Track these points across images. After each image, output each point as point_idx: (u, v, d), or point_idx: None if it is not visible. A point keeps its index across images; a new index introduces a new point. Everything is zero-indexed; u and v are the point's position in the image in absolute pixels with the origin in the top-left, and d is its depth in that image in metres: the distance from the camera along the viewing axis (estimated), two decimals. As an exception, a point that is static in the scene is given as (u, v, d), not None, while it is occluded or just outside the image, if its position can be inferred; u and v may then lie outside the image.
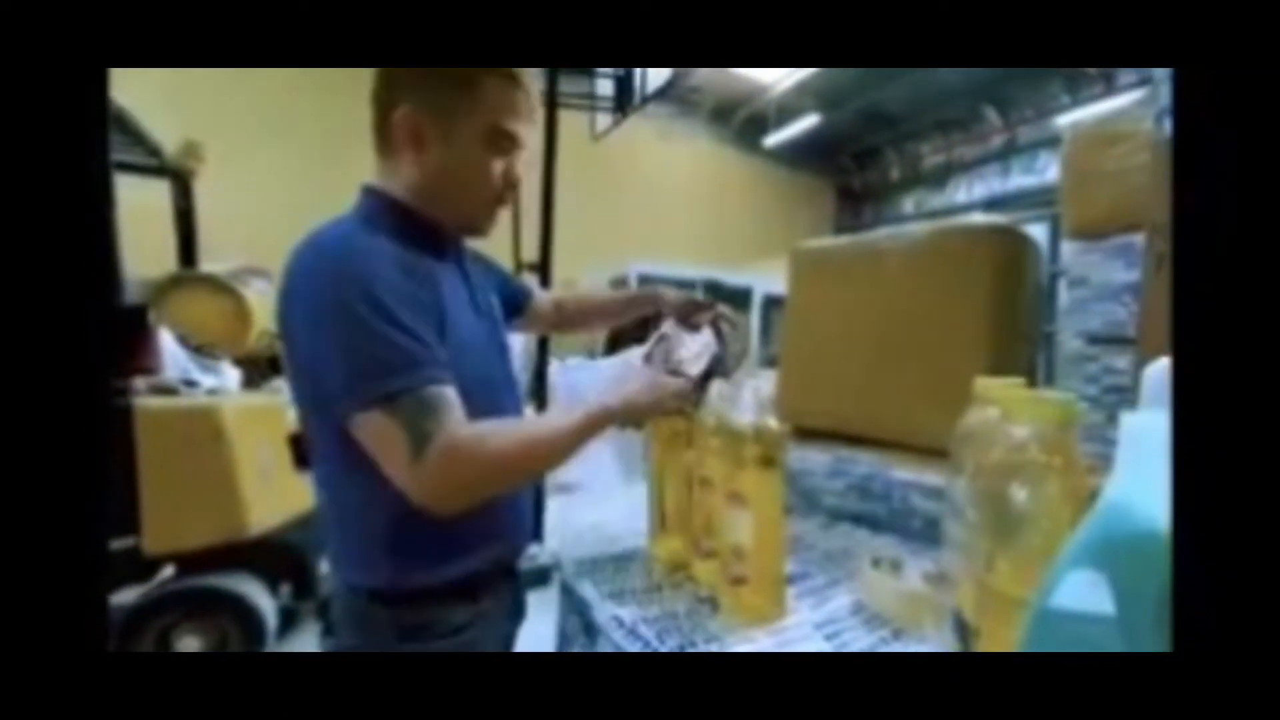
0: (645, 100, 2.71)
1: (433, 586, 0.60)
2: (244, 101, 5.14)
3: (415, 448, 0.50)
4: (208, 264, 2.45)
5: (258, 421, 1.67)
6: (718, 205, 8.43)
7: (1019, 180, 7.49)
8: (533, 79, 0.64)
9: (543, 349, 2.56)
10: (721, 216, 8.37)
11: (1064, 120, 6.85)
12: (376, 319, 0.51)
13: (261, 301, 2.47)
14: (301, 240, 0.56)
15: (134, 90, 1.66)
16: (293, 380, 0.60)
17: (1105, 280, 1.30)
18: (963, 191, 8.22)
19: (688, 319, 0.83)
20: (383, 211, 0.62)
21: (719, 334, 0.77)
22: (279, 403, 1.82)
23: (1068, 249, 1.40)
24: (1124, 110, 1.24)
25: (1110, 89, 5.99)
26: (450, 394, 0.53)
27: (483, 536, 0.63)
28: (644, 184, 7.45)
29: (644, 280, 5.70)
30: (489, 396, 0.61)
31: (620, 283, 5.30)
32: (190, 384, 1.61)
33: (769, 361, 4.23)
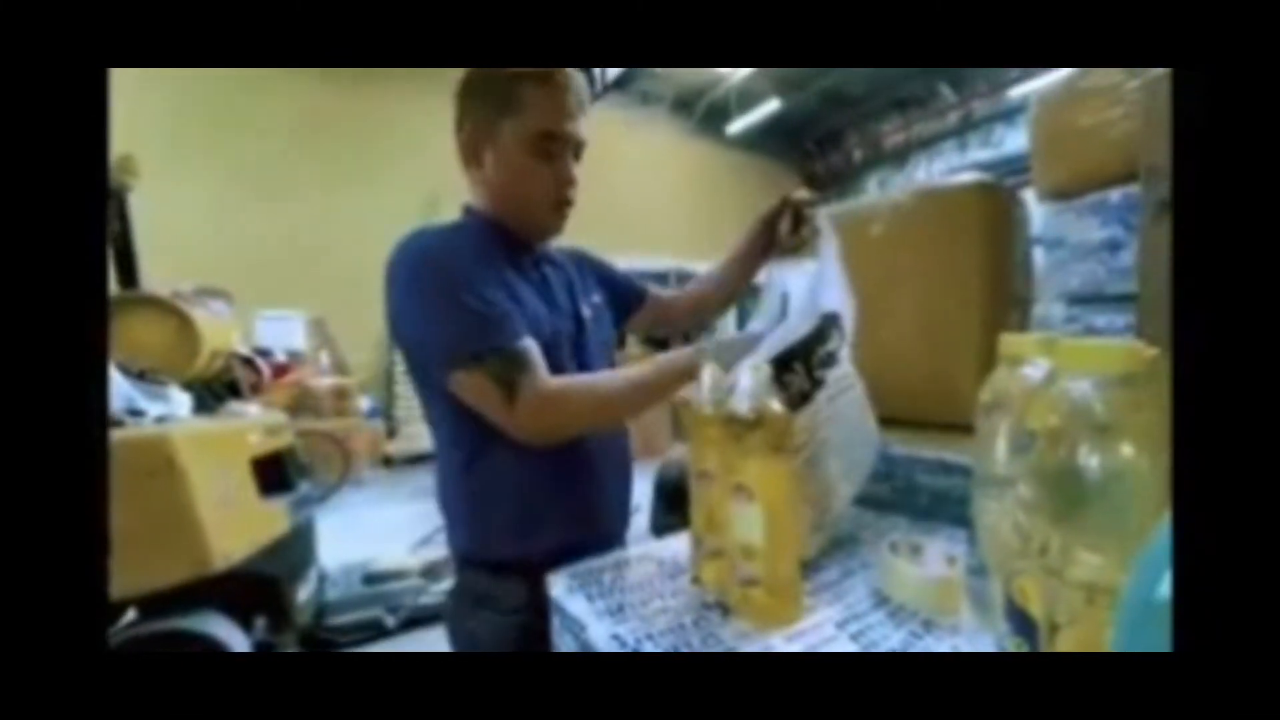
0: (605, 90, 2.65)
1: (498, 560, 0.68)
2: (190, 121, 4.89)
3: (507, 396, 0.59)
4: (163, 287, 2.30)
5: (215, 448, 1.56)
6: (685, 195, 8.41)
7: (976, 154, 7.65)
8: (572, 76, 0.67)
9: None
10: (689, 206, 8.36)
11: (1015, 93, 7.01)
12: (461, 294, 0.60)
13: (214, 322, 2.33)
14: (400, 240, 0.65)
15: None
16: (406, 362, 0.70)
17: (1081, 240, 1.29)
18: (923, 169, 8.37)
19: (783, 242, 0.78)
20: (466, 222, 0.73)
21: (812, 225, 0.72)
22: (239, 426, 1.70)
23: (1041, 212, 1.39)
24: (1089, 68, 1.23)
25: (1058, 60, 6.11)
26: (530, 346, 0.62)
27: (554, 518, 0.68)
28: (609, 176, 7.36)
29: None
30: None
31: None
32: (136, 413, 1.49)
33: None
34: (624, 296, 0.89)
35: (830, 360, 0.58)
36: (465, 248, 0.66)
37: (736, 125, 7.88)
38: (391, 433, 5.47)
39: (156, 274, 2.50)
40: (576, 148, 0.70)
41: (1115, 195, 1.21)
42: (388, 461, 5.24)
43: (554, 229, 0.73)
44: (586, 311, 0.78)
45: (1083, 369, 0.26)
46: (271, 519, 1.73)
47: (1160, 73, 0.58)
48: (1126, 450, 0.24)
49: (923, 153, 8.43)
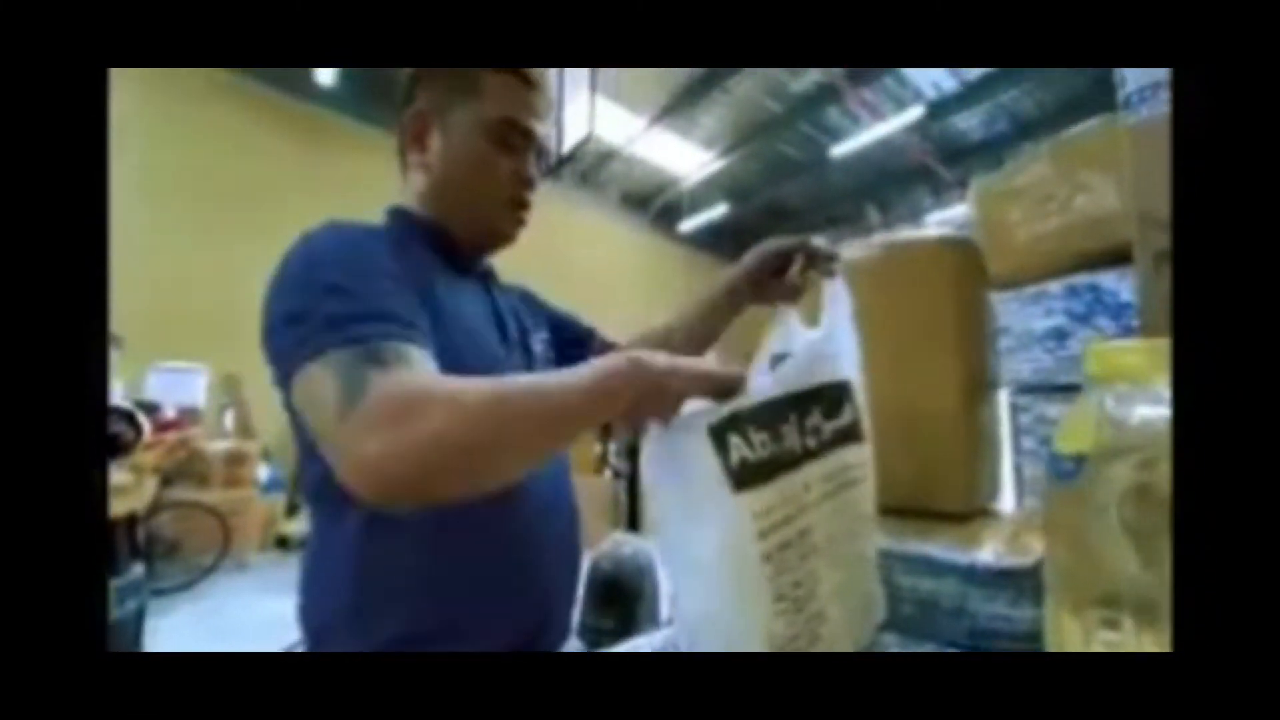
0: (562, 161, 2.69)
1: None
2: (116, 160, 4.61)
3: (347, 398, 0.37)
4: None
5: None
6: (636, 282, 8.68)
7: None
8: (543, 74, 0.60)
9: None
10: (640, 293, 8.60)
11: (932, 219, 7.90)
12: (341, 278, 0.44)
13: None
14: (301, 234, 0.50)
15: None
16: (282, 396, 0.48)
17: (1026, 328, 1.30)
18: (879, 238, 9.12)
19: (780, 290, 0.63)
20: (397, 222, 0.59)
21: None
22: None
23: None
24: (1023, 164, 1.30)
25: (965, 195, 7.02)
26: (415, 353, 0.41)
27: (488, 614, 0.50)
28: (563, 258, 7.49)
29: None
30: None
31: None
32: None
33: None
34: (571, 340, 0.74)
35: (841, 435, 0.47)
36: (379, 243, 0.50)
37: (688, 224, 8.37)
38: (293, 509, 4.81)
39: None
40: (539, 151, 0.60)
41: (1055, 286, 1.23)
42: (282, 542, 4.56)
43: (505, 233, 0.61)
44: (537, 347, 0.65)
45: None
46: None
47: (1144, 118, 0.54)
48: None
49: (855, 264, 9.21)
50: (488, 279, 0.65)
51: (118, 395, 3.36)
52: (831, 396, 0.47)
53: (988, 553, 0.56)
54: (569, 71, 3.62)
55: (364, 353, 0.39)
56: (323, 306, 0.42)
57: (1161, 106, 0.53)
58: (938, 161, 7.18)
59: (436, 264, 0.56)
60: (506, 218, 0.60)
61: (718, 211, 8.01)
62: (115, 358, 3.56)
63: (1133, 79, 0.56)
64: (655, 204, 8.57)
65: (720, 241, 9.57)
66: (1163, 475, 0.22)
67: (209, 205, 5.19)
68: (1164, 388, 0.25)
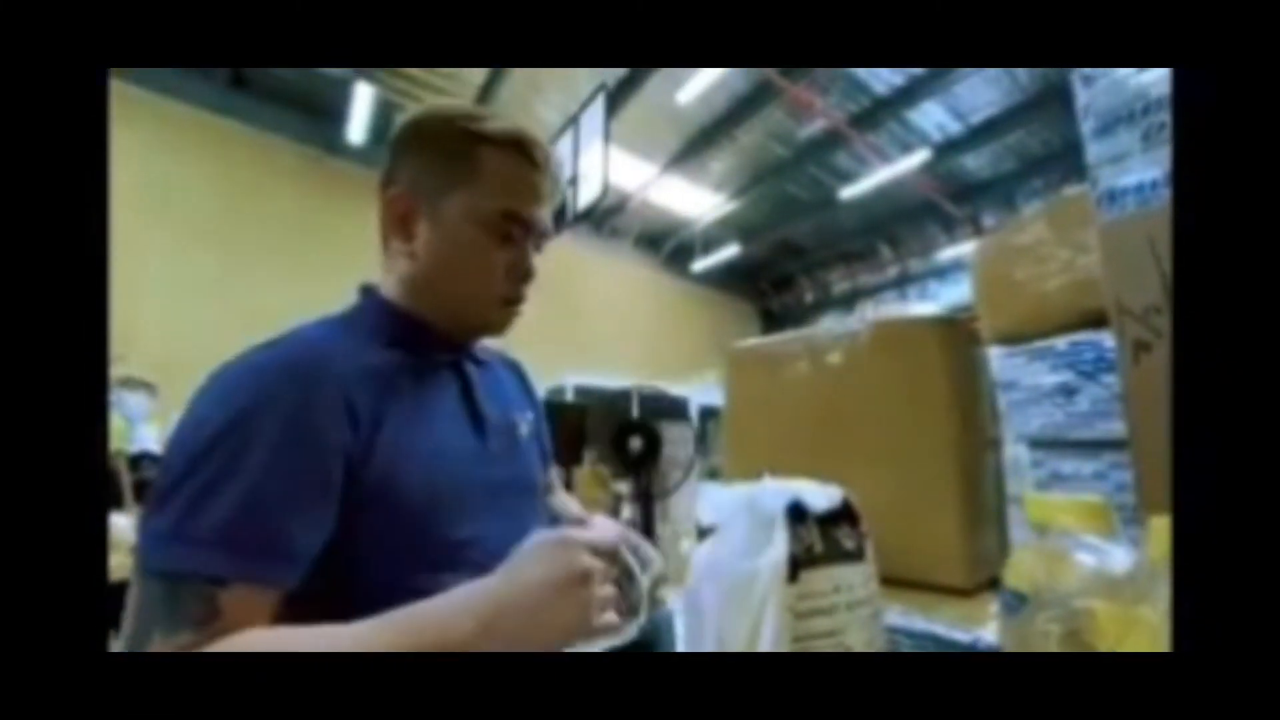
0: (579, 217, 2.80)
1: None
2: (162, 209, 4.92)
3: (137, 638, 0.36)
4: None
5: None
6: (651, 322, 8.77)
7: (916, 305, 8.41)
8: (548, 151, 0.55)
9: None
10: (655, 332, 8.69)
11: (944, 255, 7.93)
12: (214, 459, 0.38)
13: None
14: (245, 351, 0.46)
15: None
16: None
17: (1034, 383, 1.30)
18: (869, 314, 9.11)
19: None
20: (364, 310, 0.55)
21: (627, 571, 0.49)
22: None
23: (994, 354, 1.42)
24: (1022, 223, 1.34)
25: (978, 231, 7.07)
26: (226, 602, 0.37)
27: None
28: (580, 300, 7.65)
29: (580, 391, 5.57)
30: (457, 513, 0.49)
31: (557, 393, 5.15)
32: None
33: (711, 474, 4.06)
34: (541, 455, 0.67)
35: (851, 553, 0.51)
36: (301, 392, 0.42)
37: (700, 264, 8.52)
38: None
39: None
40: (540, 238, 0.55)
41: (1061, 342, 1.24)
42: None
43: (496, 328, 0.57)
44: (522, 428, 0.61)
45: None
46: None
47: (1115, 219, 0.58)
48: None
49: (868, 299, 9.24)
50: (462, 361, 0.58)
51: (151, 441, 3.48)
52: (840, 520, 0.53)
53: (990, 630, 0.58)
54: (583, 123, 3.80)
55: (167, 596, 0.36)
56: (178, 499, 0.37)
57: (1130, 208, 0.57)
58: (946, 199, 7.28)
59: (405, 361, 0.51)
60: (499, 313, 0.55)
61: (729, 251, 8.16)
62: (150, 404, 3.71)
63: (1104, 179, 0.60)
64: (668, 245, 8.76)
65: (733, 279, 9.69)
66: (1086, 626, 0.25)
67: (241, 256, 5.46)
68: (1095, 541, 0.28)
